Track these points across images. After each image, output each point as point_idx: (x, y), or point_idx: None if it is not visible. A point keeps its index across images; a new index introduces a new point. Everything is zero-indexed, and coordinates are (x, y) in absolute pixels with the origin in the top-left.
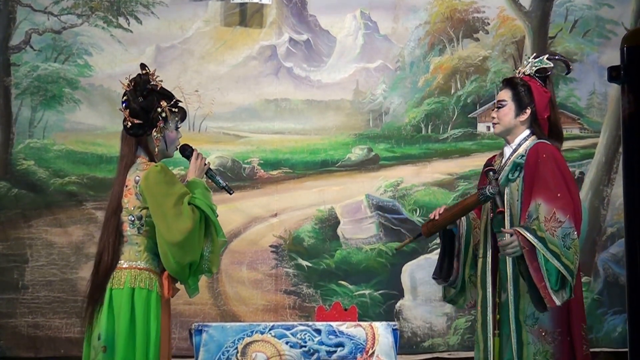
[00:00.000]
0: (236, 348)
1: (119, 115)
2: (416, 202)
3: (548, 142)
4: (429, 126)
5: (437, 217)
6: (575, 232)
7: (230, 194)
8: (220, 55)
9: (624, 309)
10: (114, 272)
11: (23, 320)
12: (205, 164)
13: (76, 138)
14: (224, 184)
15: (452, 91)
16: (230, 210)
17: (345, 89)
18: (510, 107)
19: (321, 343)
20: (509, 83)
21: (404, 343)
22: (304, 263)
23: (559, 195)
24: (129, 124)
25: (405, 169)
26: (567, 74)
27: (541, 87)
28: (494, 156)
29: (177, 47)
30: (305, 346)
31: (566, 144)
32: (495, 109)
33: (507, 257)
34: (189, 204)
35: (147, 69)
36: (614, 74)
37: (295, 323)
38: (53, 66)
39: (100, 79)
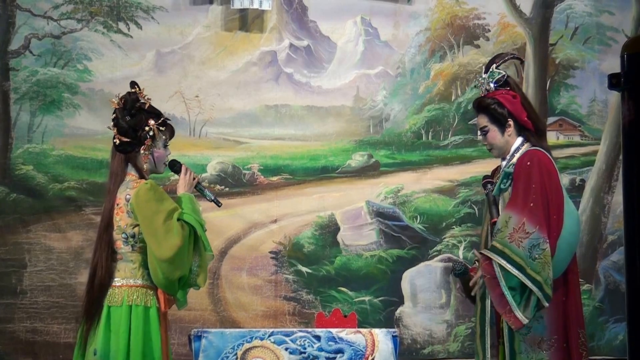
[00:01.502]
0: (235, 354)
1: None
2: (416, 209)
3: (540, 149)
4: (430, 133)
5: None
6: (547, 243)
7: (219, 206)
8: (220, 61)
9: (625, 317)
10: (110, 289)
11: (21, 325)
12: (194, 178)
13: (75, 143)
14: (213, 197)
15: (453, 98)
16: (230, 216)
17: (345, 95)
18: (493, 130)
19: (321, 349)
20: (481, 107)
21: (403, 350)
22: (304, 269)
23: (531, 205)
24: (118, 141)
25: (406, 175)
26: (521, 63)
27: (507, 94)
28: (497, 167)
29: (177, 53)
30: (304, 352)
31: (567, 151)
32: (481, 136)
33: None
34: (178, 219)
35: (136, 87)
36: (614, 81)
37: (294, 329)
38: (52, 71)
39: (100, 84)
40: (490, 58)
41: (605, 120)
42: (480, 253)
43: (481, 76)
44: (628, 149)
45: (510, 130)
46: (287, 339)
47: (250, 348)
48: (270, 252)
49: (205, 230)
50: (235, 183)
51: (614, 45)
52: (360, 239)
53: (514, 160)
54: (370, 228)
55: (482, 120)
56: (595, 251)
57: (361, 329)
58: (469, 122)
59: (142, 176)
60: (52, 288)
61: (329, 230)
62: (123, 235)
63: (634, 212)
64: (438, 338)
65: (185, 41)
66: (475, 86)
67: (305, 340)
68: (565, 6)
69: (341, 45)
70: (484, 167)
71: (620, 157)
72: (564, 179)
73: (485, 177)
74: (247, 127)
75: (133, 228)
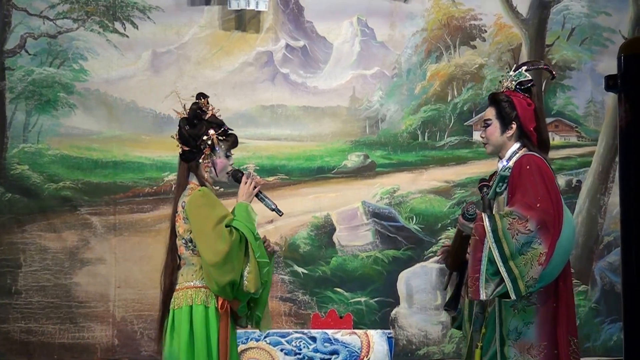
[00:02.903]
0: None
1: (115, 120)
2: (412, 210)
3: (536, 154)
4: (426, 133)
5: (448, 249)
6: (542, 245)
7: (280, 215)
8: (216, 61)
9: (620, 318)
10: (175, 293)
11: (16, 325)
12: (254, 187)
13: (71, 143)
14: (274, 206)
15: (449, 98)
16: None
17: (341, 96)
18: (495, 126)
19: (316, 350)
20: (493, 100)
21: (399, 351)
22: (300, 270)
23: (538, 205)
24: (180, 150)
25: (402, 176)
26: (552, 79)
27: (524, 99)
28: (495, 172)
29: (173, 53)
30: (300, 354)
31: (563, 152)
32: (482, 129)
33: None
34: (228, 226)
35: (202, 97)
36: (611, 82)
37: (290, 330)
38: (48, 70)
39: (96, 84)
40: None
41: (602, 121)
42: (481, 212)
43: (508, 72)
44: (624, 151)
45: (511, 133)
46: (282, 340)
47: (246, 349)
48: None
49: (259, 238)
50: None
51: (610, 47)
52: (356, 240)
53: (510, 164)
54: (366, 229)
55: (489, 113)
56: (592, 252)
57: (356, 330)
58: (465, 123)
59: (202, 184)
60: (47, 288)
61: (324, 231)
62: (182, 241)
63: (631, 213)
64: (433, 339)
65: (181, 41)
66: (499, 81)
67: (300, 341)
68: (562, 7)
69: (337, 45)
70: (479, 168)
71: (617, 158)
72: (560, 180)
73: (482, 180)
74: (243, 128)
75: (190, 233)
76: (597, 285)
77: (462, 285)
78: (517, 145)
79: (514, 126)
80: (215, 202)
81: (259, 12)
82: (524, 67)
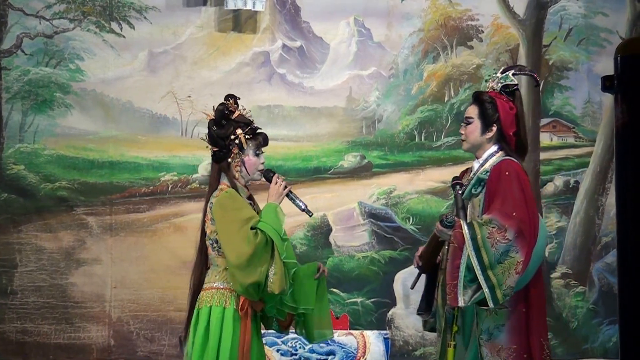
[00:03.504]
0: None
1: (111, 120)
2: (409, 210)
3: (514, 160)
4: (422, 134)
5: (421, 253)
6: (518, 254)
7: (310, 215)
8: (213, 61)
9: None
10: (201, 293)
11: (12, 325)
12: (285, 188)
13: (67, 143)
14: (304, 207)
15: (446, 99)
16: None
17: (338, 96)
18: (476, 125)
19: (312, 351)
20: (477, 99)
21: (395, 352)
22: None
23: (514, 214)
24: (211, 151)
25: (398, 176)
26: (536, 86)
27: (507, 103)
28: (466, 170)
29: (169, 53)
30: (296, 354)
31: (561, 153)
32: (463, 126)
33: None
34: (253, 228)
35: (230, 99)
36: (607, 83)
37: None
38: (44, 70)
39: (92, 84)
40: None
41: (600, 121)
42: (460, 220)
43: (495, 73)
44: (621, 152)
45: (491, 134)
46: (278, 340)
47: None
48: None
49: (286, 239)
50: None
51: (608, 47)
52: (353, 240)
53: (487, 166)
54: (363, 229)
55: (472, 111)
56: (589, 253)
57: (353, 331)
58: (462, 123)
59: (233, 185)
60: (42, 288)
61: (321, 231)
62: (210, 242)
63: (627, 214)
64: (430, 340)
65: (177, 41)
66: (485, 80)
67: (296, 342)
68: (559, 7)
69: (334, 46)
70: None
71: (614, 159)
72: (558, 181)
73: (455, 178)
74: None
75: (216, 234)
76: (595, 287)
77: (435, 288)
78: (495, 147)
79: (495, 128)
80: (242, 204)
81: (255, 12)
82: (511, 71)
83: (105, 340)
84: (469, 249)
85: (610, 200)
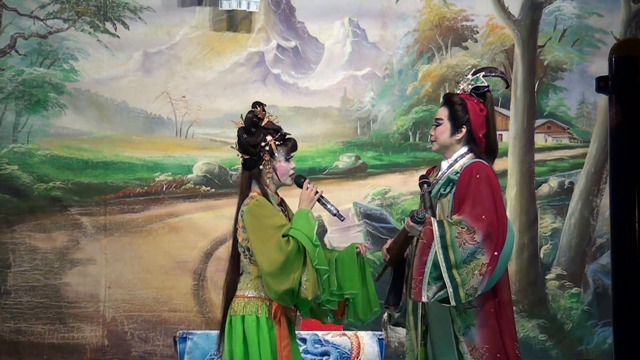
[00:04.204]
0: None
1: (106, 121)
2: (404, 211)
3: (485, 163)
4: (417, 134)
5: (389, 246)
6: (484, 256)
7: (341, 220)
8: (207, 61)
9: None
10: (234, 299)
11: (5, 325)
12: (316, 193)
13: (61, 143)
14: (335, 211)
15: (441, 99)
16: (216, 217)
17: (333, 97)
18: (446, 126)
19: (306, 352)
20: (447, 101)
21: (391, 353)
22: None
23: (483, 217)
24: (242, 159)
25: (393, 177)
26: (506, 88)
27: (478, 105)
28: (433, 167)
29: (164, 53)
30: None
31: (555, 154)
32: (433, 127)
33: None
34: (284, 235)
35: (258, 106)
36: (602, 84)
37: None
38: (38, 71)
39: (86, 84)
40: (481, 66)
41: (594, 122)
42: (430, 217)
43: (466, 76)
44: (615, 153)
45: (460, 136)
46: None
47: None
48: None
49: (318, 245)
50: (222, 184)
51: (602, 48)
52: (348, 241)
53: (457, 167)
54: (358, 230)
55: (442, 113)
56: (584, 254)
57: (347, 332)
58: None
59: (264, 193)
60: (36, 288)
61: (316, 233)
62: (241, 249)
63: (621, 215)
64: None
65: (172, 41)
66: (457, 82)
67: None
68: (554, 8)
69: (329, 46)
70: None
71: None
72: (553, 182)
73: (422, 177)
74: (234, 128)
75: (247, 242)
76: (590, 288)
77: (403, 282)
78: (464, 149)
79: (464, 130)
80: (272, 212)
81: (250, 12)
82: (482, 73)
83: (99, 340)
84: (437, 246)
85: (605, 201)
